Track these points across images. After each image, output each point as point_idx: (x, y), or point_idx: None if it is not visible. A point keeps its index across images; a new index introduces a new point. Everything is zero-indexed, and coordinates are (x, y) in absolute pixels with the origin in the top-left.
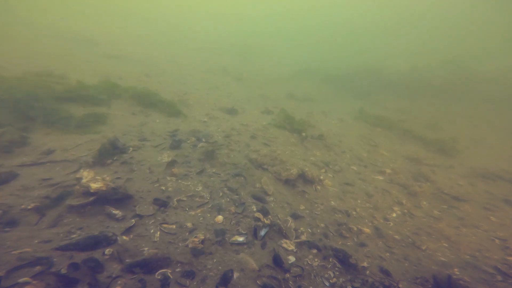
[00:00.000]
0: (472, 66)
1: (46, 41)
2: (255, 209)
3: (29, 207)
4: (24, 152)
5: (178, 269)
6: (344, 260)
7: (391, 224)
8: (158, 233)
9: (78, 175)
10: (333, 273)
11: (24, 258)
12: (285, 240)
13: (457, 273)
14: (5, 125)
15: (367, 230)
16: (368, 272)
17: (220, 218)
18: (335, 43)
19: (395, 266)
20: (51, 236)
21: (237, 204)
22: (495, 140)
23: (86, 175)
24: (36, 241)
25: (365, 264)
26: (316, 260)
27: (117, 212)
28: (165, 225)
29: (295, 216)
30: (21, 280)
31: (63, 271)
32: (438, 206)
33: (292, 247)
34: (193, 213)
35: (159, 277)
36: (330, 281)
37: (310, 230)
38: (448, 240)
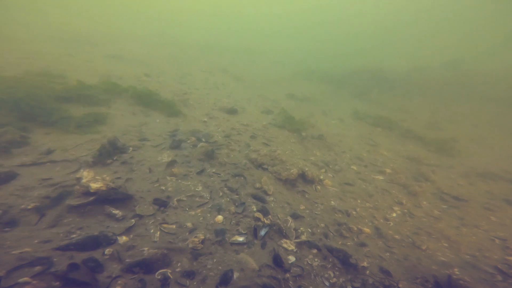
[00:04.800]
0: (473, 66)
1: (45, 41)
2: (255, 209)
3: (29, 207)
4: (24, 152)
5: (178, 269)
6: (344, 260)
7: (391, 224)
8: (158, 233)
9: (78, 175)
10: (333, 273)
11: (24, 258)
12: (285, 240)
13: (457, 273)
14: (5, 125)
15: (367, 230)
16: (368, 272)
17: (220, 218)
18: (335, 43)
19: (395, 266)
20: (51, 236)
21: (237, 204)
22: (495, 140)
23: (86, 175)
24: (36, 241)
25: (365, 264)
26: (316, 260)
27: (117, 212)
28: (165, 225)
29: (295, 216)
30: (21, 280)
31: (63, 271)
32: (438, 206)
33: (292, 247)
34: (193, 213)
35: (159, 277)
36: (330, 281)
37: (310, 230)
38: (448, 240)
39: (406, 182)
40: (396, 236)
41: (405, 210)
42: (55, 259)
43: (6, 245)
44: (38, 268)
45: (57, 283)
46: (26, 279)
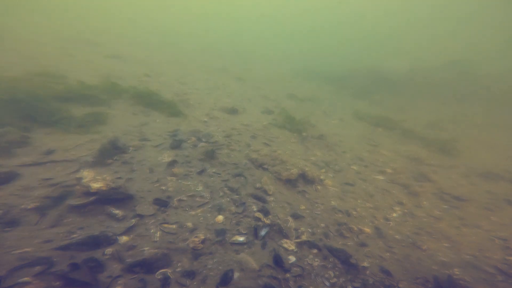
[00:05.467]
0: (473, 66)
1: (46, 41)
2: (255, 209)
3: (29, 207)
4: (24, 152)
5: (178, 269)
6: (344, 260)
7: (392, 224)
8: (159, 233)
9: (78, 175)
10: (334, 273)
11: (25, 258)
12: (285, 240)
13: (458, 273)
14: (5, 125)
15: (367, 230)
16: (368, 272)
17: (220, 218)
18: (336, 44)
19: (395, 266)
20: (51, 236)
21: (237, 204)
22: (496, 140)
23: (86, 175)
24: (36, 241)
25: (365, 264)
26: (316, 260)
27: (117, 212)
28: (165, 225)
29: (296, 216)
30: (21, 280)
31: (64, 271)
32: (438, 206)
33: (292, 247)
34: (193, 213)
35: (159, 277)
36: (331, 281)
37: (310, 230)
38: (449, 240)
39: (407, 182)
40: (397, 236)
41: (406, 210)
42: (55, 259)
43: (7, 245)
44: (38, 268)
45: (58, 283)
46: (26, 279)
